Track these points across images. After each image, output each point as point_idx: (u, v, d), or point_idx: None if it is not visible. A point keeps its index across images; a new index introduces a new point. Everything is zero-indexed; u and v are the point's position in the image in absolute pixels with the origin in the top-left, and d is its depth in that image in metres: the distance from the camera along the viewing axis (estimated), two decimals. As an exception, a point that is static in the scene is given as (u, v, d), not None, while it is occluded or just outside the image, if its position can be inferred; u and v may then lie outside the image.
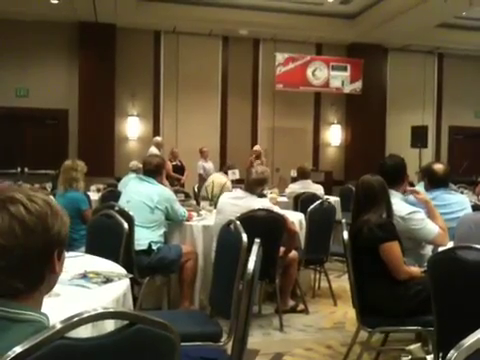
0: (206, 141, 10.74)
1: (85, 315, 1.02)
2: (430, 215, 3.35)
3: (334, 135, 12.32)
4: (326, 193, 7.03)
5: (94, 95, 10.25)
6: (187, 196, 6.49)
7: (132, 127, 11.11)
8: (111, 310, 1.12)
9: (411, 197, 3.57)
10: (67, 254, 1.23)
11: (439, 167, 3.84)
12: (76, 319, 1.01)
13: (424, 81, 12.71)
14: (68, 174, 4.53)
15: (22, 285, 1.08)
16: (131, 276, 2.38)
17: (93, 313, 1.04)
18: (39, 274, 1.11)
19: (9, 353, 0.92)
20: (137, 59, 10.91)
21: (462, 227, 3.00)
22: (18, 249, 1.06)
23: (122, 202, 4.16)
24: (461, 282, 2.26)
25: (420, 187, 3.92)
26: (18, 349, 0.93)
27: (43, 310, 1.14)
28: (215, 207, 4.55)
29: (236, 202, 4.05)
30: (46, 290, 1.17)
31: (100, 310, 1.05)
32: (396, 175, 3.48)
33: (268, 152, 11.38)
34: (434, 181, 3.80)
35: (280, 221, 3.96)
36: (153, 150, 9.16)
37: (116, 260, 2.75)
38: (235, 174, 7.76)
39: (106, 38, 10.37)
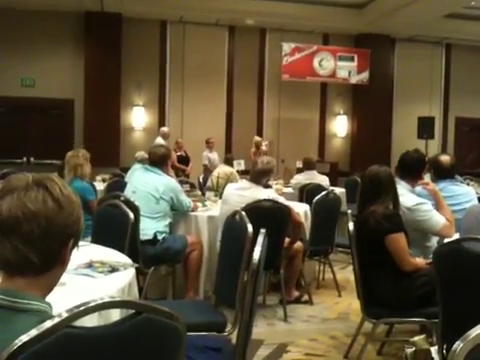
0: (211, 131, 10.72)
1: (91, 304, 1.02)
2: (438, 206, 3.34)
3: (340, 126, 12.27)
4: (331, 184, 7.01)
5: (100, 85, 10.24)
6: (192, 187, 6.50)
7: (138, 117, 11.10)
8: (117, 299, 1.12)
9: (418, 188, 3.56)
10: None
11: (445, 158, 3.84)
12: (82, 308, 1.01)
13: (431, 72, 12.61)
14: (72, 162, 4.55)
15: (36, 259, 1.09)
16: (136, 266, 2.40)
17: (99, 302, 1.04)
18: (54, 254, 1.13)
19: (16, 342, 0.92)
20: (143, 49, 10.87)
21: (468, 219, 2.99)
22: (44, 219, 1.08)
23: (128, 192, 4.17)
24: (467, 274, 2.25)
25: (427, 178, 3.92)
26: (24, 338, 0.93)
27: (48, 299, 1.15)
28: (220, 198, 4.55)
29: (241, 193, 4.05)
30: (52, 282, 1.17)
31: (106, 299, 1.06)
32: (415, 169, 3.48)
33: (274, 143, 11.37)
34: (440, 172, 3.80)
35: (285, 212, 3.96)
36: (159, 141, 9.15)
37: (121, 250, 2.76)
38: (240, 165, 7.77)
39: (112, 28, 10.33)
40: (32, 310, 1.07)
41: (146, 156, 5.34)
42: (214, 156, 9.91)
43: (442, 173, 3.79)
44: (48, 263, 1.12)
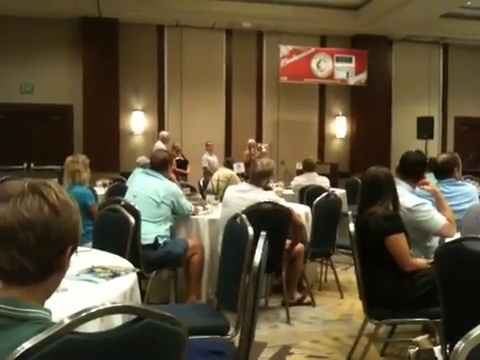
0: (211, 135, 10.73)
1: (93, 310, 1.03)
2: (438, 206, 3.34)
3: (339, 127, 12.28)
4: (332, 185, 7.01)
5: (98, 90, 10.25)
6: (193, 190, 6.50)
7: (137, 122, 11.11)
8: (119, 305, 1.12)
9: (418, 188, 3.56)
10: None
11: (440, 157, 3.95)
12: (84, 314, 1.01)
13: (429, 72, 12.62)
14: (71, 167, 4.55)
15: (33, 268, 1.07)
16: (138, 270, 2.39)
17: (101, 308, 1.04)
18: (51, 262, 1.11)
19: (18, 349, 0.93)
20: (141, 54, 10.89)
21: (469, 218, 2.99)
22: (40, 227, 1.07)
23: (128, 197, 4.17)
24: (468, 273, 2.25)
25: (429, 178, 3.94)
26: (27, 344, 0.93)
27: (50, 305, 1.14)
28: (221, 201, 4.55)
29: (242, 195, 4.05)
30: (50, 289, 1.16)
31: (108, 305, 1.06)
32: (416, 170, 3.49)
33: (273, 145, 11.38)
34: (434, 170, 3.87)
35: (286, 214, 3.96)
36: (159, 145, 9.17)
37: (123, 255, 2.76)
38: (240, 167, 7.77)
39: (109, 33, 10.34)
40: (33, 318, 1.06)
41: (147, 161, 5.34)
42: (214, 159, 9.92)
43: (434, 171, 3.86)
44: (46, 271, 1.11)
